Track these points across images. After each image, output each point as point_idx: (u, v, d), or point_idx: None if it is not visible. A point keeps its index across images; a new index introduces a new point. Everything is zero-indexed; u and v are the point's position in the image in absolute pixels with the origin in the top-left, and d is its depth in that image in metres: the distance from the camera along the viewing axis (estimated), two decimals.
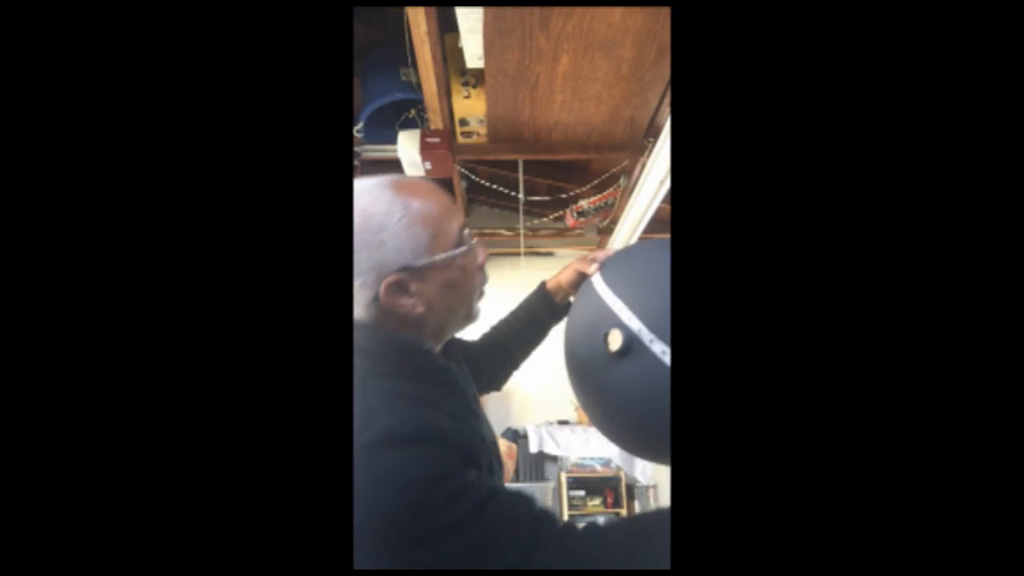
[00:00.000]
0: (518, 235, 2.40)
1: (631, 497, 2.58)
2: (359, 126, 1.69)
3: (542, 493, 2.45)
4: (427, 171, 1.64)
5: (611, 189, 1.92)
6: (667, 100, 1.44)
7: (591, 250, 2.44)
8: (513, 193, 1.98)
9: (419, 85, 1.41)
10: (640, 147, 1.66)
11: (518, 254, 2.57)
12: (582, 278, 0.74)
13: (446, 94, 1.47)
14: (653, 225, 1.83)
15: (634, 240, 1.93)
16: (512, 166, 1.93)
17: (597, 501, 2.52)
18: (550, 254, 2.83)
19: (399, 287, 0.53)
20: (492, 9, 1.12)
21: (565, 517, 2.35)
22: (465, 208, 2.27)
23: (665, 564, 0.49)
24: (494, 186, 1.99)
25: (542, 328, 0.85)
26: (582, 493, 2.51)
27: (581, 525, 0.52)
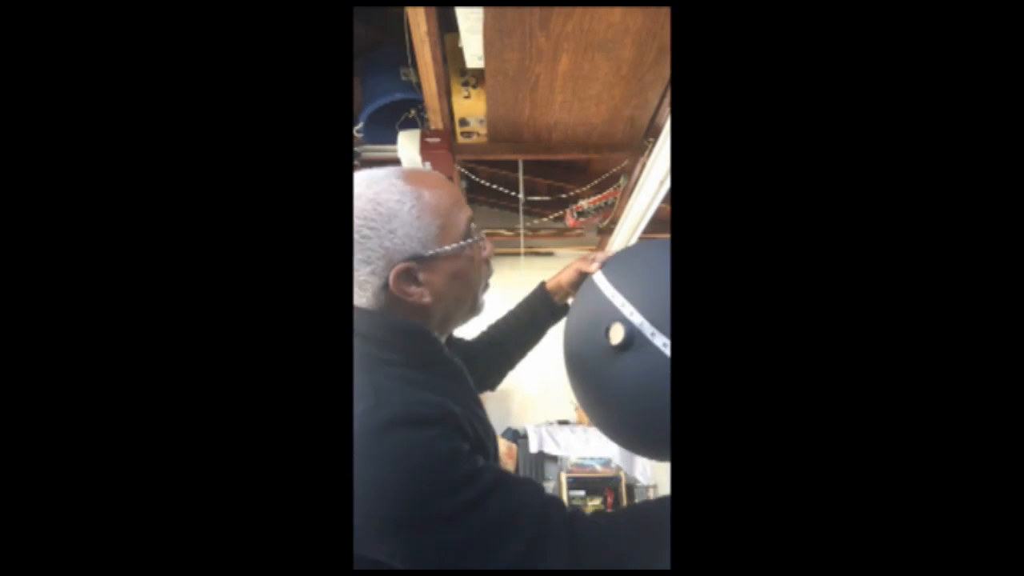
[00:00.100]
0: (518, 235, 2.40)
1: (631, 497, 2.57)
2: (359, 126, 1.69)
3: None
4: None
5: (611, 189, 1.92)
6: (667, 100, 1.44)
7: (593, 250, 2.44)
8: (513, 193, 1.98)
9: (419, 85, 1.41)
10: (640, 147, 1.66)
11: (518, 254, 2.57)
12: (582, 277, 0.74)
13: (446, 94, 1.47)
14: (653, 225, 1.83)
15: (634, 240, 1.93)
16: (512, 166, 1.93)
17: (597, 501, 2.51)
18: (550, 254, 2.83)
19: (408, 275, 0.54)
20: (492, 9, 1.12)
21: None
22: None
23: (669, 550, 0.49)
24: (494, 186, 1.99)
25: (541, 328, 0.85)
26: (582, 493, 2.51)
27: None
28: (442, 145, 1.58)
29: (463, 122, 1.60)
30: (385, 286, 0.53)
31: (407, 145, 1.58)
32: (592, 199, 1.97)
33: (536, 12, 1.13)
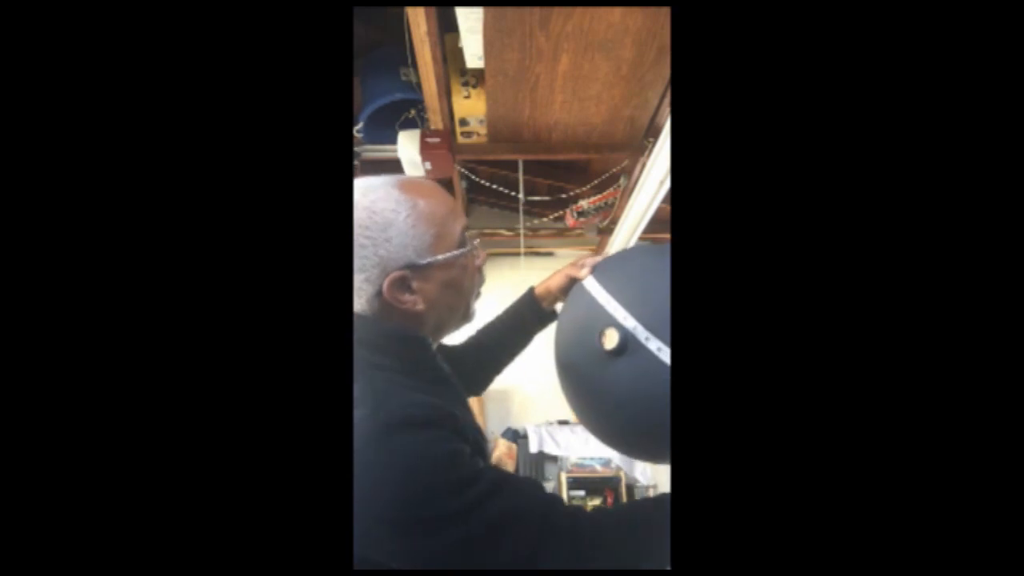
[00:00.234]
0: (518, 235, 2.40)
1: (631, 497, 2.57)
2: (359, 126, 1.68)
3: None
4: (427, 171, 1.63)
5: (611, 189, 1.92)
6: (667, 100, 1.44)
7: (592, 250, 2.43)
8: (513, 193, 1.98)
9: (419, 85, 1.41)
10: (640, 147, 1.66)
11: (518, 254, 2.56)
12: (572, 283, 0.74)
13: (446, 94, 1.47)
14: (653, 225, 1.83)
15: (634, 240, 1.93)
16: (512, 166, 1.93)
17: (597, 501, 2.51)
18: (550, 254, 2.83)
19: (402, 283, 0.54)
20: (492, 9, 1.12)
21: None
22: (465, 208, 2.27)
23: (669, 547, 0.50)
24: (494, 186, 1.98)
25: (528, 333, 0.86)
26: (582, 493, 2.50)
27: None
28: (442, 145, 1.58)
29: (463, 122, 1.60)
30: (379, 293, 0.54)
31: (407, 145, 1.58)
32: (592, 199, 1.97)
33: (536, 12, 1.13)
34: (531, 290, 0.84)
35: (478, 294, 0.64)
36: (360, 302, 0.54)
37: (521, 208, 2.14)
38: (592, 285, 0.67)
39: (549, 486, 2.50)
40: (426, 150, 1.58)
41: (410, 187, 0.56)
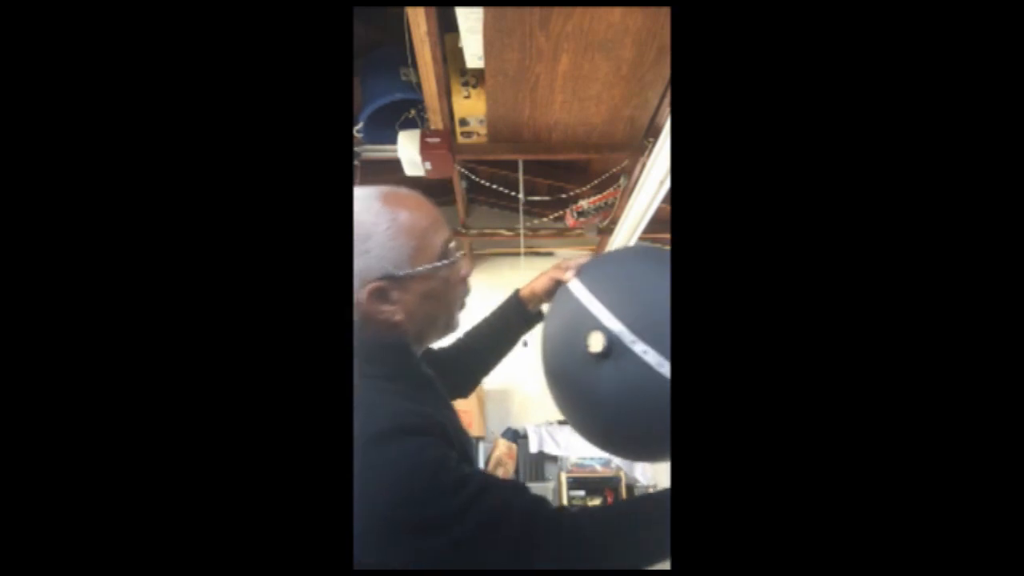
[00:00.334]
0: (518, 235, 2.40)
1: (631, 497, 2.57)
2: (359, 126, 1.68)
3: (542, 493, 2.44)
4: (427, 171, 1.63)
5: (611, 189, 1.92)
6: (667, 100, 1.44)
7: (592, 250, 2.43)
8: (513, 193, 1.98)
9: (419, 85, 1.41)
10: (640, 147, 1.66)
11: (518, 254, 2.56)
12: (557, 285, 0.74)
13: (446, 94, 1.47)
14: (653, 225, 1.83)
15: (634, 240, 1.93)
16: (512, 166, 1.93)
17: (597, 501, 2.51)
18: (550, 254, 2.83)
19: (380, 294, 0.55)
20: (492, 9, 1.12)
21: None
22: (465, 208, 2.27)
23: (657, 545, 0.52)
24: (494, 186, 1.98)
25: (514, 336, 0.86)
26: (582, 493, 2.50)
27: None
28: (442, 145, 1.57)
29: (463, 122, 1.60)
30: (358, 303, 0.55)
31: (407, 145, 1.58)
32: (592, 199, 1.97)
33: (536, 12, 1.13)
34: (516, 292, 0.84)
35: (463, 305, 0.65)
36: None
37: (521, 208, 2.14)
38: (577, 288, 0.67)
39: (549, 486, 2.50)
40: (426, 150, 1.57)
41: (392, 199, 0.57)
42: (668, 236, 2.30)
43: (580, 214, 1.98)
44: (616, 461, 2.51)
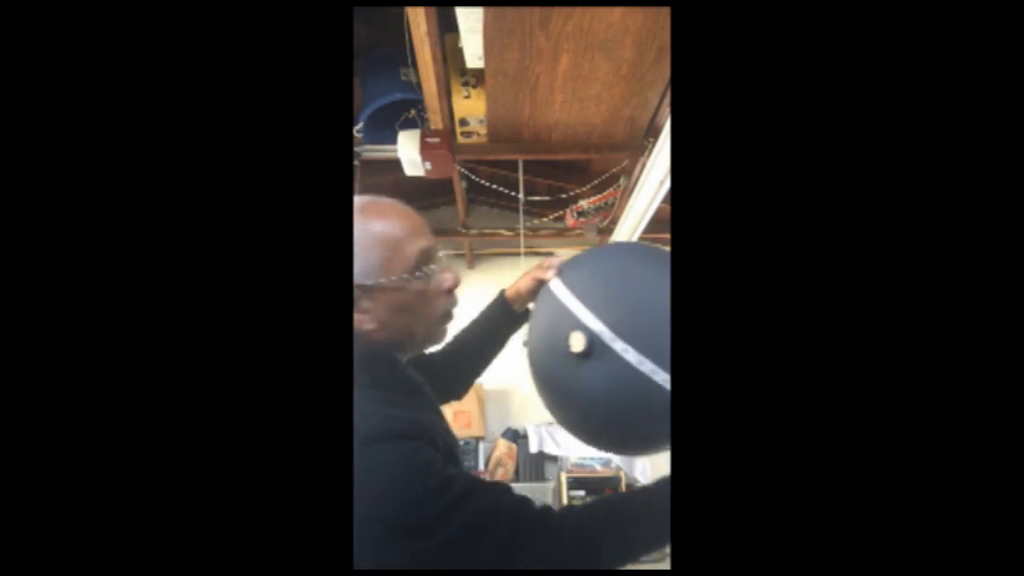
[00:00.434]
0: (518, 235, 2.40)
1: None
2: (359, 126, 1.68)
3: (542, 493, 2.44)
4: (427, 171, 1.63)
5: (611, 189, 1.92)
6: (667, 100, 1.44)
7: (584, 248, 2.42)
8: (513, 193, 1.98)
9: (419, 85, 1.41)
10: (640, 147, 1.66)
11: (518, 254, 2.56)
12: (540, 285, 0.74)
13: (446, 94, 1.47)
14: (653, 225, 1.83)
15: (634, 240, 1.93)
16: (512, 166, 1.93)
17: None
18: (550, 254, 2.83)
19: None
20: (492, 9, 1.12)
21: None
22: (465, 208, 2.27)
23: (645, 542, 0.53)
24: (494, 186, 1.98)
25: (502, 336, 0.86)
26: (582, 493, 2.50)
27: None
28: (442, 145, 1.58)
29: (463, 122, 1.60)
30: None
31: (407, 145, 1.58)
32: (592, 199, 1.97)
33: (536, 12, 1.13)
34: (502, 293, 0.84)
35: (449, 317, 0.64)
36: None
37: (521, 208, 2.14)
38: (558, 287, 0.67)
39: (549, 486, 2.50)
40: (426, 150, 1.58)
41: (369, 210, 0.57)
42: (668, 236, 2.30)
43: (580, 214, 1.98)
44: (616, 461, 2.51)
